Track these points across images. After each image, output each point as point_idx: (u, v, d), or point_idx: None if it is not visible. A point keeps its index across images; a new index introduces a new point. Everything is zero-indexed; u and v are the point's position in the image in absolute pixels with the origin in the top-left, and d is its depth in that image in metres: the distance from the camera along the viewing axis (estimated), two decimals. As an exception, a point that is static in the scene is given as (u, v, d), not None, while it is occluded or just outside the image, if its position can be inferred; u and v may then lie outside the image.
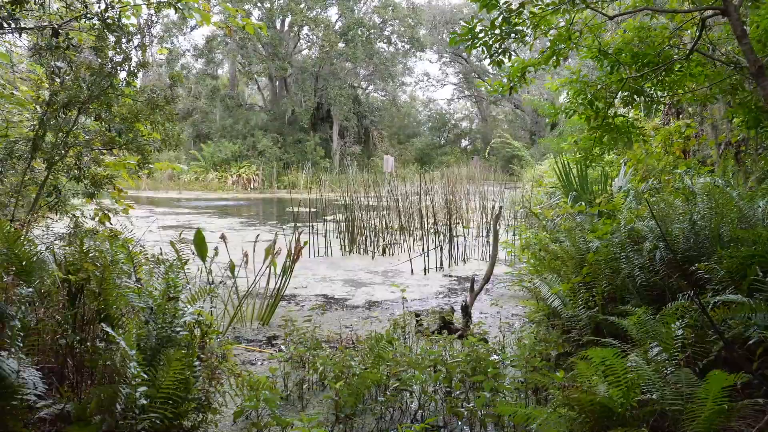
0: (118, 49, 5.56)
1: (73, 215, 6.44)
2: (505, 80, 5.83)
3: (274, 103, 41.52)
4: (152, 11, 5.95)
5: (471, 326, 5.99)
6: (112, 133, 5.94)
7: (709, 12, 4.96)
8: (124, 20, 5.63)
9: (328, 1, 38.68)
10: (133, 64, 5.71)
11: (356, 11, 40.15)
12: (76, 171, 5.97)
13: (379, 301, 7.99)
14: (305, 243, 7.45)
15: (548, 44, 5.51)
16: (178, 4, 5.85)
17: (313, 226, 12.24)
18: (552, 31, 5.48)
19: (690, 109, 9.68)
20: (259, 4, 38.03)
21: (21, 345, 2.78)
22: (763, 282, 3.84)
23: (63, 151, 5.72)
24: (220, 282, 7.27)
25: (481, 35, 5.19)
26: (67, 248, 3.71)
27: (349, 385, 4.02)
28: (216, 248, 6.75)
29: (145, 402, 2.80)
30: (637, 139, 6.66)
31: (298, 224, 10.68)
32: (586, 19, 5.59)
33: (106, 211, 6.84)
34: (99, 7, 5.09)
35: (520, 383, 4.23)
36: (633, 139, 6.61)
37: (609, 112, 6.09)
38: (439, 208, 13.24)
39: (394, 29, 41.73)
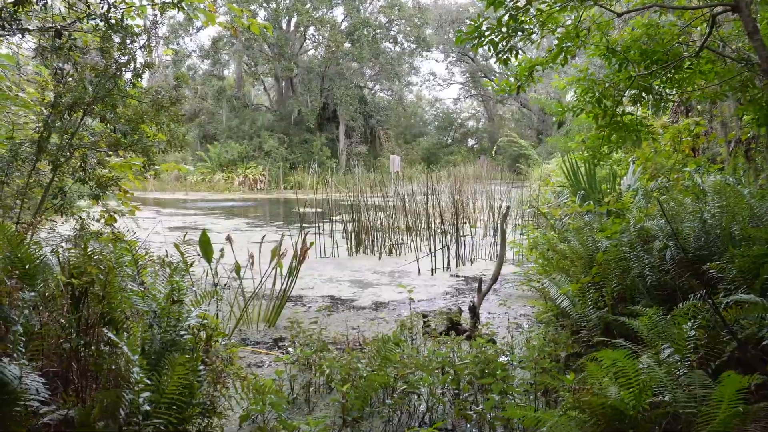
0: (123, 50, 5.54)
1: (79, 217, 6.41)
2: (512, 79, 5.78)
3: (281, 104, 41.54)
4: (157, 12, 5.93)
5: (479, 327, 5.94)
6: (117, 135, 5.92)
7: (720, 8, 4.90)
8: (128, 21, 5.61)
9: (333, 1, 38.65)
10: (138, 64, 5.69)
11: (362, 11, 40.10)
12: (81, 173, 5.94)
13: (386, 302, 7.95)
14: (311, 244, 7.41)
15: (555, 43, 5.46)
16: (183, 5, 5.83)
17: (319, 227, 12.21)
18: (559, 29, 5.44)
19: (699, 106, 9.60)
20: (264, 5, 38.04)
21: (23, 350, 2.75)
22: (776, 282, 3.79)
23: (68, 153, 5.70)
24: (225, 284, 7.25)
25: (487, 33, 5.15)
26: (70, 251, 3.68)
27: (356, 387, 3.97)
28: (222, 249, 6.73)
29: (148, 408, 2.77)
30: (646, 137, 6.60)
31: (304, 225, 10.66)
32: (593, 16, 5.54)
33: (112, 213, 6.82)
34: (102, 8, 5.06)
35: (529, 385, 4.18)
36: (642, 138, 6.55)
37: (617, 110, 6.03)
38: (446, 208, 13.19)
39: (400, 29, 41.67)
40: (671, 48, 5.50)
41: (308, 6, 37.36)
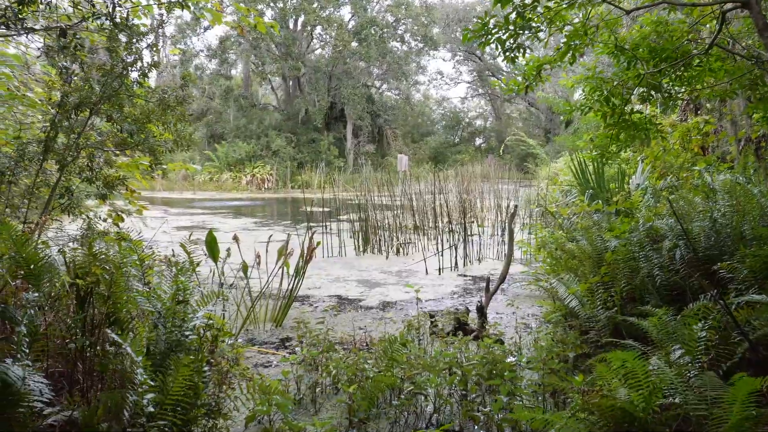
0: (129, 50, 5.53)
1: (87, 217, 6.42)
2: (520, 78, 5.74)
3: (288, 103, 41.57)
4: (163, 11, 5.93)
5: (487, 327, 5.90)
6: (124, 134, 5.91)
7: (730, 5, 4.84)
8: (135, 20, 5.60)
9: (340, 0, 38.68)
10: (145, 64, 5.68)
11: (369, 10, 40.11)
12: (88, 172, 5.95)
13: (393, 302, 7.92)
14: (318, 243, 7.39)
15: (562, 41, 5.41)
16: (190, 4, 5.83)
17: (326, 226, 12.18)
18: (567, 27, 5.39)
19: (708, 104, 9.53)
20: (272, 4, 38.08)
21: (27, 351, 2.74)
22: (788, 282, 3.74)
23: (75, 153, 5.70)
24: (231, 284, 7.23)
25: (494, 31, 5.11)
26: (76, 251, 3.66)
27: (363, 388, 3.95)
28: (228, 249, 6.71)
29: (152, 409, 2.75)
30: (655, 135, 6.54)
31: (311, 224, 10.64)
32: (602, 14, 5.49)
33: (119, 213, 6.82)
34: (108, 7, 5.05)
35: (537, 386, 4.14)
36: (650, 136, 6.49)
37: (626, 108, 5.98)
38: (454, 207, 13.14)
39: (407, 28, 41.63)
40: (680, 45, 5.44)
41: (315, 5, 37.38)
